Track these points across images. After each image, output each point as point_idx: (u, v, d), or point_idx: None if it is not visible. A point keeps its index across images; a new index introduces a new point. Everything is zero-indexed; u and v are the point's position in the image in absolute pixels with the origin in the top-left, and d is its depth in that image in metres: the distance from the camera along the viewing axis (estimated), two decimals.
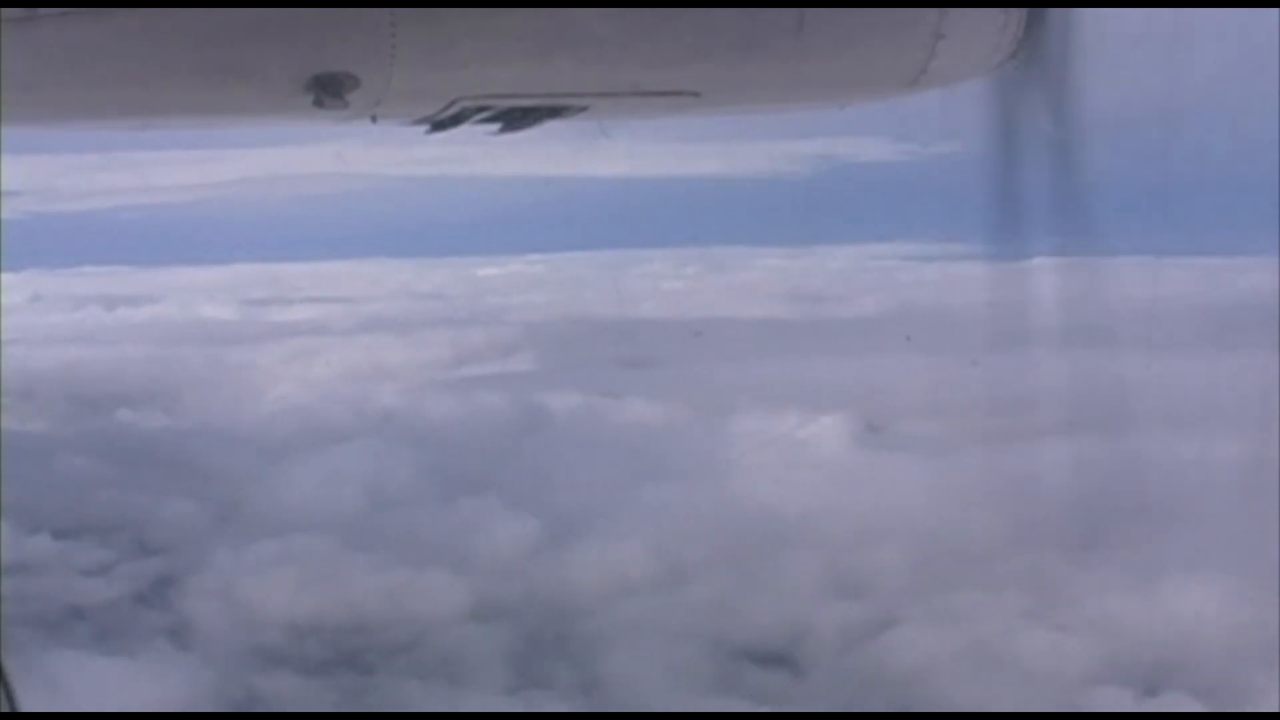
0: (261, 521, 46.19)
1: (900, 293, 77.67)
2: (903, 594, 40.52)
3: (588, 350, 66.34)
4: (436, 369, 64.34)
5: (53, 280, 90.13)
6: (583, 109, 6.64)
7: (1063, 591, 40.39)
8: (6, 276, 73.20)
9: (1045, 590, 40.48)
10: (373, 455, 51.00)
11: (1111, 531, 44.68)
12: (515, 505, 46.20)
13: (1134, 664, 36.47)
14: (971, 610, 39.12)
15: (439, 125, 6.59)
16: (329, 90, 5.97)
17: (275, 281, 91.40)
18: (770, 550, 43.38)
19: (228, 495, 49.09)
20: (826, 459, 51.10)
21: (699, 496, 47.55)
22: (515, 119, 6.66)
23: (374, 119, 6.32)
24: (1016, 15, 6.96)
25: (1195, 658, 36.67)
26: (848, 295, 75.40)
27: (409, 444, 52.30)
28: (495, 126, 6.72)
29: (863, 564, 42.53)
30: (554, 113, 6.64)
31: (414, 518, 46.11)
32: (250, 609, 40.33)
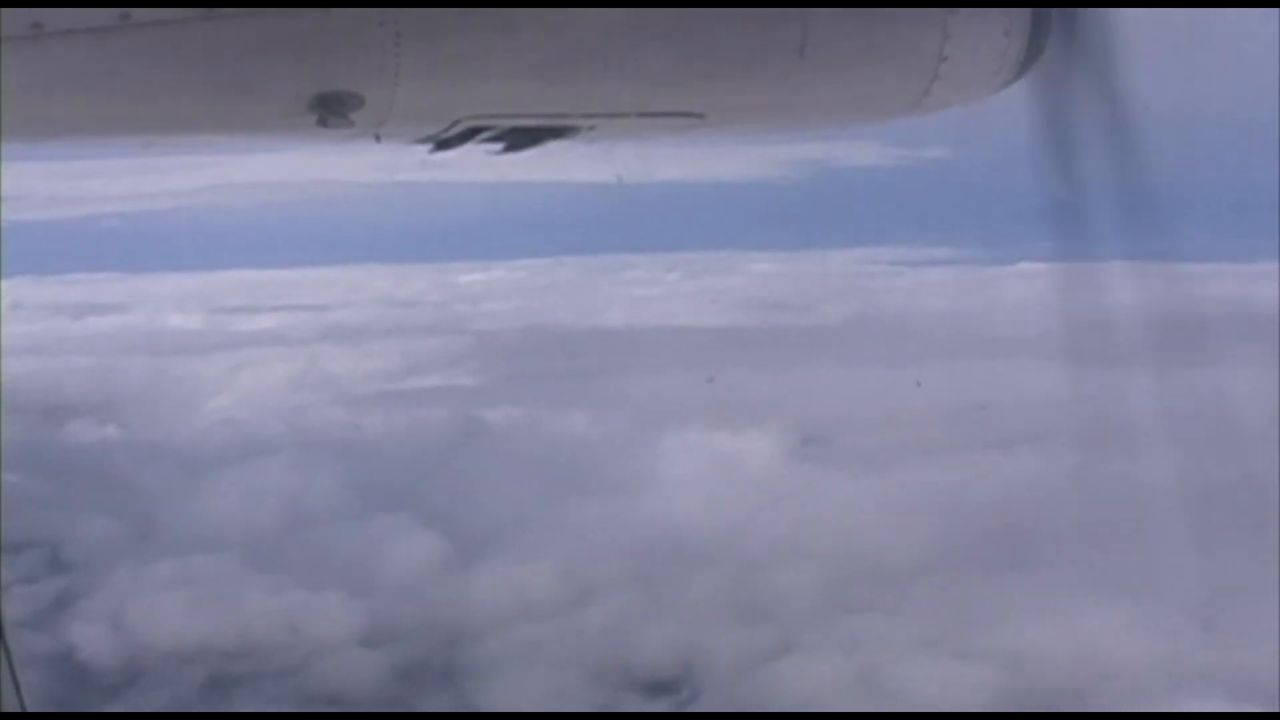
0: (175, 540, 45.51)
1: (872, 300, 76.53)
2: (806, 618, 39.38)
3: (540, 361, 65.54)
4: (382, 380, 63.59)
5: (38, 289, 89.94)
6: (587, 129, 6.67)
7: (972, 616, 39.11)
8: None
9: (954, 615, 39.25)
10: (297, 470, 50.29)
11: (1041, 552, 43.45)
12: (430, 523, 45.37)
13: (1028, 694, 35.19)
14: (872, 636, 37.94)
15: (442, 145, 6.62)
16: (333, 109, 5.98)
17: (255, 289, 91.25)
18: (682, 571, 42.36)
19: (148, 512, 48.42)
20: (759, 474, 49.97)
21: (621, 514, 46.57)
22: (519, 139, 6.71)
23: (378, 138, 6.30)
24: (1019, 38, 6.92)
25: (1095, 688, 35.35)
26: (813, 304, 74.22)
27: (337, 458, 51.56)
28: (498, 146, 6.77)
29: (773, 586, 41.43)
30: (558, 133, 6.69)
31: (325, 536, 45.31)
32: (137, 633, 39.62)
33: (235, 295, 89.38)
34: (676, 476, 49.35)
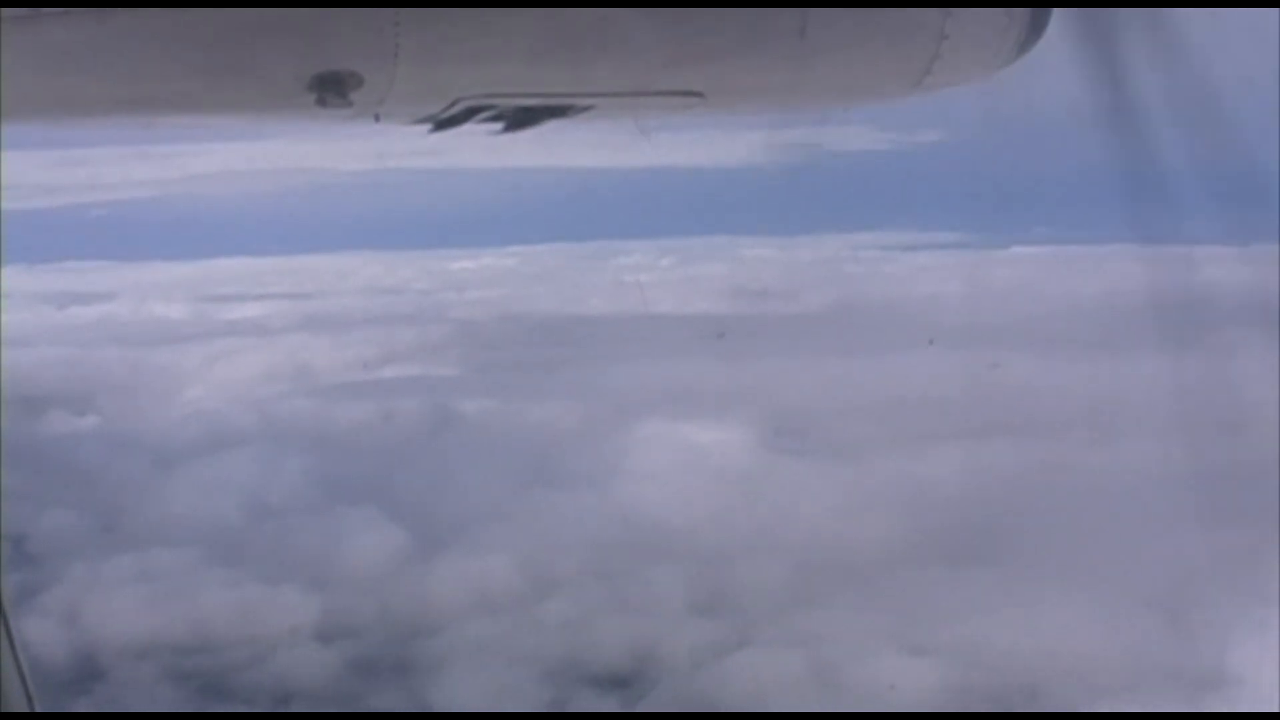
0: (138, 533, 45.29)
1: (858, 286, 75.86)
2: (767, 612, 38.98)
3: (519, 350, 65.12)
4: (359, 370, 63.27)
5: (26, 278, 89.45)
6: (587, 108, 6.57)
7: (934, 611, 38.61)
8: None
9: (916, 609, 38.78)
10: (265, 462, 50.03)
11: (1010, 545, 42.93)
12: (394, 516, 45.01)
13: (980, 690, 34.77)
14: (829, 630, 37.54)
15: (442, 125, 6.52)
16: (332, 89, 5.93)
17: (245, 277, 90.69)
18: (643, 564, 42.01)
19: (115, 505, 48.18)
20: (730, 466, 49.48)
21: (587, 505, 46.26)
22: (519, 118, 6.61)
23: (377, 118, 6.24)
24: (1020, 17, 6.90)
25: (1048, 684, 34.89)
26: (798, 291, 73.56)
27: (306, 450, 51.28)
28: (498, 126, 6.66)
29: (736, 579, 41.03)
30: (558, 112, 6.59)
31: (288, 529, 45.02)
32: (93, 628, 39.38)
33: (225, 284, 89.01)
34: (646, 468, 48.98)
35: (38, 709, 6.30)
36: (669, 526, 44.21)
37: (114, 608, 40.27)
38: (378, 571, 41.99)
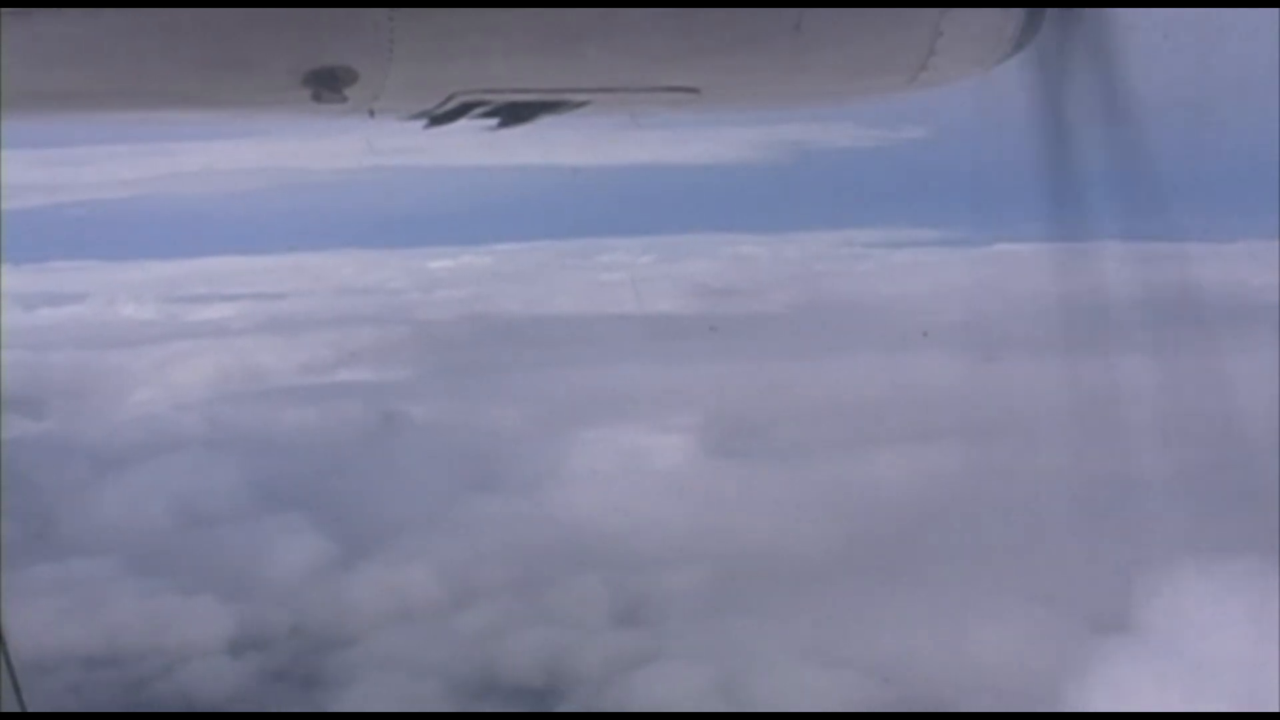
0: (63, 542, 44.70)
1: (828, 285, 75.01)
2: (685, 622, 38.12)
3: (475, 352, 64.40)
4: (311, 373, 62.60)
5: (9, 279, 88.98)
6: (581, 104, 6.67)
7: (858, 622, 37.66)
8: None
9: (839, 620, 37.86)
10: (202, 468, 49.35)
11: (946, 554, 41.90)
12: (323, 524, 44.36)
13: (898, 704, 33.87)
14: (747, 642, 36.62)
15: (436, 120, 6.61)
16: (327, 84, 6.00)
17: (221, 277, 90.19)
18: (568, 572, 41.24)
19: (45, 512, 47.55)
20: (672, 471, 48.67)
21: (524, 513, 45.49)
22: (513, 114, 6.71)
23: (371, 114, 6.29)
24: (1016, 14, 6.95)
25: (968, 699, 33.95)
26: (764, 290, 72.62)
27: (245, 455, 50.58)
28: (493, 121, 6.75)
29: (660, 587, 40.20)
30: (552, 108, 6.69)
31: (213, 538, 44.35)
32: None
33: (199, 284, 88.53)
34: (586, 474, 48.20)
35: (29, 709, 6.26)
36: (604, 533, 43.45)
37: (29, 619, 39.60)
38: (297, 581, 41.33)
